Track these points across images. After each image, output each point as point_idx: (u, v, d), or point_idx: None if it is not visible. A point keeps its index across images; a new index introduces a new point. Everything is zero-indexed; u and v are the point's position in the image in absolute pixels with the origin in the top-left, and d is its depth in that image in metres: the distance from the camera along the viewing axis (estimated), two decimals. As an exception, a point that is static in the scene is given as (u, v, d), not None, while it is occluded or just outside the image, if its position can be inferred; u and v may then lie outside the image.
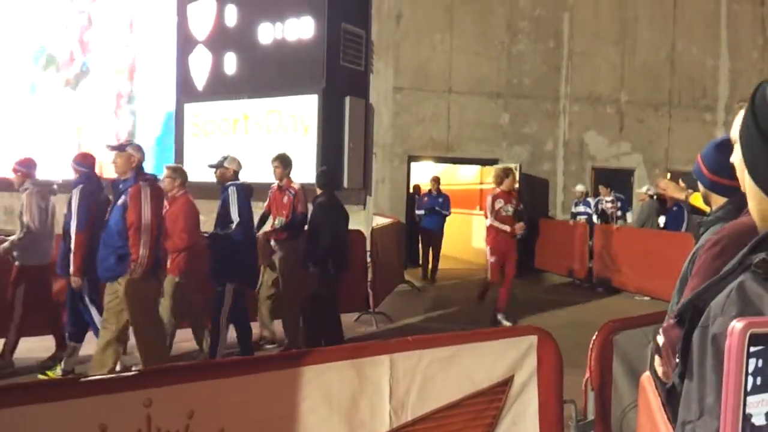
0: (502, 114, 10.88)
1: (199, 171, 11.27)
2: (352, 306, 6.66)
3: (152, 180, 4.36)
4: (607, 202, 10.15)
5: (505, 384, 2.26)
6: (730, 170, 1.45)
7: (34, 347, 5.02)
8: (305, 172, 10.11)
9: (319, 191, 5.46)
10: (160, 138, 12.16)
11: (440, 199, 10.07)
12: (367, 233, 7.09)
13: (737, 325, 0.65)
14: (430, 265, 10.10)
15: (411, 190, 11.83)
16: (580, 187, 10.42)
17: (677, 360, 0.87)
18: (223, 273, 4.80)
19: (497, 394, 2.25)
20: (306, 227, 5.51)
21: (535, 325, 2.39)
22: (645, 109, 11.29)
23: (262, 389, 1.95)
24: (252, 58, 10.65)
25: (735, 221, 1.57)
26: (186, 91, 11.52)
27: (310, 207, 5.55)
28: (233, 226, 4.78)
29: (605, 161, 11.18)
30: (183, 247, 5.00)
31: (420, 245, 10.52)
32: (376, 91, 10.58)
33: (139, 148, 4.42)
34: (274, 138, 10.48)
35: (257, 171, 10.64)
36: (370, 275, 6.76)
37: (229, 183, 5.02)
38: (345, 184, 10.10)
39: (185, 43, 11.53)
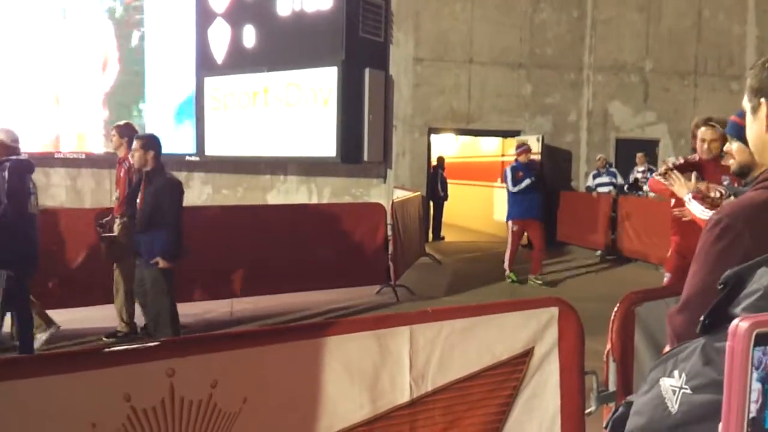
0: (525, 84, 10.71)
1: (221, 145, 11.39)
2: (373, 279, 6.70)
3: None
4: (638, 172, 9.95)
5: (526, 355, 2.25)
6: None
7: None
8: (325, 145, 10.11)
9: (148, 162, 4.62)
10: (178, 112, 12.19)
11: (533, 171, 7.89)
12: (387, 206, 7.08)
13: (742, 324, 0.62)
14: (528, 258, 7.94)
15: (435, 163, 11.76)
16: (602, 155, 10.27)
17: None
18: None
19: (517, 366, 2.24)
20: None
21: (556, 296, 2.37)
22: (671, 78, 11.02)
23: (284, 359, 1.96)
24: (271, 31, 10.60)
25: (740, 197, 1.50)
26: (205, 65, 11.52)
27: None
28: None
29: (630, 132, 10.98)
30: None
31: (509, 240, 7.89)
32: (395, 62, 10.47)
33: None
34: (293, 111, 10.47)
35: (277, 144, 10.68)
36: (390, 248, 6.77)
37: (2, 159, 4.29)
38: (365, 157, 10.07)
39: (204, 16, 11.49)
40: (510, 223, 7.79)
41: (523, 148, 7.91)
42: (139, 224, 4.55)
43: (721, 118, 3.94)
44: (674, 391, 0.86)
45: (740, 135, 1.98)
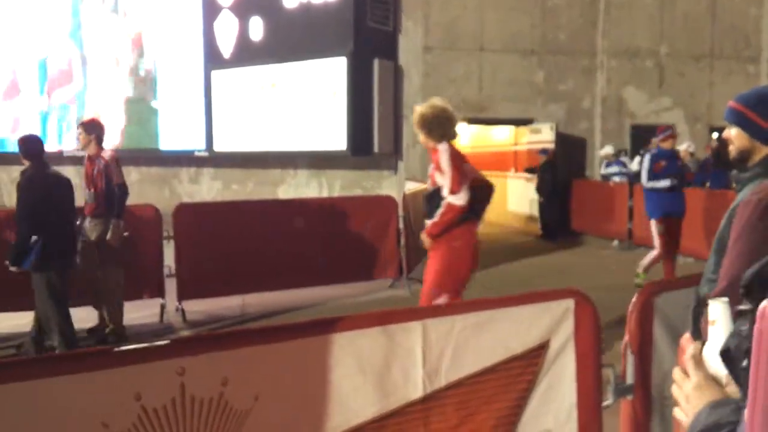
0: (537, 71, 10.58)
1: (230, 140, 11.39)
2: (386, 272, 6.67)
3: None
4: None
5: (541, 349, 2.21)
6: None
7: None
8: (335, 137, 10.07)
9: (26, 163, 4.48)
10: (187, 107, 12.17)
11: (679, 162, 6.53)
12: (399, 198, 7.03)
13: None
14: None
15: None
16: (608, 149, 10.11)
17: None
18: None
19: (533, 359, 2.20)
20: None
21: (572, 288, 2.32)
22: (686, 62, 10.84)
23: (295, 356, 1.94)
24: (278, 23, 10.55)
25: None
26: (213, 59, 11.49)
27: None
28: None
29: (645, 117, 10.82)
30: None
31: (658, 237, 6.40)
32: (405, 51, 10.38)
33: None
34: (302, 103, 10.43)
35: (286, 138, 10.65)
36: (403, 241, 6.73)
37: None
38: (376, 148, 10.02)
39: (210, 9, 11.47)
40: (654, 222, 6.40)
41: (668, 133, 6.53)
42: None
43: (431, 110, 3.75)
44: None
45: (738, 121, 1.94)
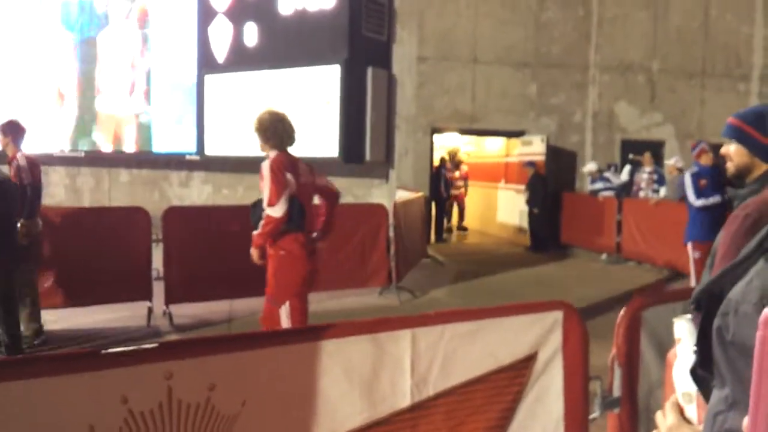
0: (530, 84, 10.65)
1: (221, 144, 11.36)
2: (375, 280, 6.66)
3: None
4: (645, 172, 9.69)
5: (529, 360, 2.22)
6: None
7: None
8: (327, 144, 10.07)
9: None
10: (179, 111, 12.14)
11: (720, 179, 5.83)
12: (389, 207, 7.04)
13: None
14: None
15: (438, 163, 11.71)
16: (591, 166, 10.18)
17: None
18: None
19: (521, 370, 2.21)
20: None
21: (560, 300, 2.33)
22: (678, 78, 10.95)
23: (283, 362, 1.94)
24: (273, 29, 10.56)
25: (761, 194, 1.49)
26: (207, 63, 11.47)
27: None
28: None
29: (636, 133, 10.91)
30: None
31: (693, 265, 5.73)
32: (399, 61, 10.42)
33: None
34: (295, 110, 10.42)
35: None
36: (392, 250, 6.73)
37: None
38: (367, 156, 10.03)
39: (205, 13, 11.46)
40: (690, 246, 5.74)
41: (701, 147, 6.05)
42: None
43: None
44: None
45: (738, 137, 1.96)
